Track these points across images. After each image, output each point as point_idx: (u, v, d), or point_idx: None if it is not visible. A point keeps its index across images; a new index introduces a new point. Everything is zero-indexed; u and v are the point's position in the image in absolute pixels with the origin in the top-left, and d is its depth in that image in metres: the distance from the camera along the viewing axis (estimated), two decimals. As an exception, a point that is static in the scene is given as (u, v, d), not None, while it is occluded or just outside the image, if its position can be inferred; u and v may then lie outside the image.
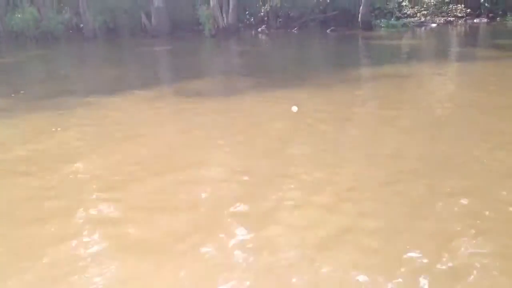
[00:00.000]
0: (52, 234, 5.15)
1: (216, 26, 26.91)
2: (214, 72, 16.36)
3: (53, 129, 9.36)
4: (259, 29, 28.76)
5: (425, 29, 27.07)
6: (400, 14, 29.61)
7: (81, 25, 30.55)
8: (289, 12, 30.05)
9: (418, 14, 29.65)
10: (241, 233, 4.96)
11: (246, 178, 6.42)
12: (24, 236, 5.17)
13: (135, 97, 12.07)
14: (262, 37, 26.76)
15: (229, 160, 7.18)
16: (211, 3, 26.85)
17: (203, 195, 6.04)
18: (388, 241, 4.64)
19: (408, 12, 29.81)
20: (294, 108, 9.51)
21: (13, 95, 12.78)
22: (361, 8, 26.82)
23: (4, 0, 32.45)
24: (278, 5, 29.85)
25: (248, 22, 30.88)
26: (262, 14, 31.06)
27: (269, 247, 4.65)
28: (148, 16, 29.32)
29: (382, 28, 26.94)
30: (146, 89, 12.91)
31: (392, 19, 28.58)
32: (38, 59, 22.77)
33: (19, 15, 30.34)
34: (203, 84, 13.78)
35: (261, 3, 31.42)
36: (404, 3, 30.09)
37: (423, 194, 5.64)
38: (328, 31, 26.77)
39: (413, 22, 28.47)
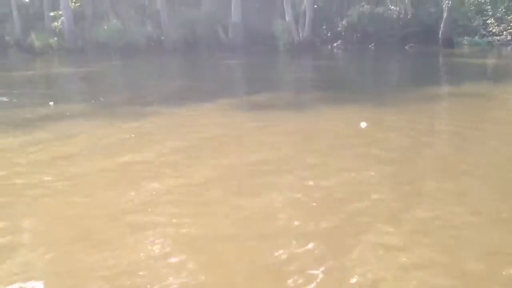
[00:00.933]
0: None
1: (291, 41, 26.92)
2: (285, 86, 16.26)
3: (127, 136, 9.58)
4: (335, 44, 28.47)
5: (511, 48, 25.73)
6: (485, 32, 28.31)
7: (162, 38, 31.61)
8: (367, 28, 29.58)
9: (505, 32, 28.22)
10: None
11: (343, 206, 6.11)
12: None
13: (203, 108, 12.17)
14: (337, 52, 26.46)
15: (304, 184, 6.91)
16: (287, 17, 26.92)
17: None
18: None
19: (494, 30, 28.45)
20: (363, 124, 9.21)
21: (93, 101, 13.31)
22: (442, 24, 25.90)
23: (91, 13, 34.26)
24: (356, 20, 29.46)
25: (325, 37, 30.68)
26: (339, 29, 30.76)
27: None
28: (225, 30, 29.84)
29: (465, 46, 25.86)
30: (216, 101, 13.00)
31: (476, 37, 27.38)
32: (119, 69, 23.74)
33: (105, 27, 31.87)
34: (273, 98, 13.69)
35: (339, 18, 31.15)
36: (489, 21, 28.75)
37: None
38: (406, 47, 26.05)
39: (499, 41, 27.12)
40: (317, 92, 14.40)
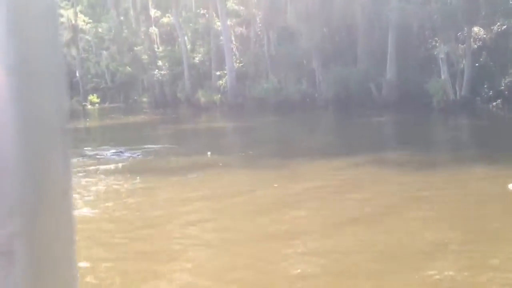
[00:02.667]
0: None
1: (445, 99, 26.28)
2: (432, 147, 15.95)
3: (275, 185, 10.45)
4: (494, 104, 27.08)
5: None
6: None
7: (316, 95, 32.89)
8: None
9: None
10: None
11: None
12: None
13: (336, 164, 12.62)
14: (496, 112, 25.16)
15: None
16: (442, 75, 26.44)
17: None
18: None
19: None
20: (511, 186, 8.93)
21: (242, 154, 14.54)
22: None
23: (253, 72, 37.02)
24: (518, 78, 27.80)
25: (485, 95, 29.31)
26: (502, 87, 29.21)
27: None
28: (378, 87, 30.13)
29: None
30: (350, 158, 13.32)
31: None
32: (272, 125, 25.28)
33: (263, 85, 34.19)
34: (420, 158, 13.61)
35: (501, 76, 29.64)
36: None
37: None
38: None
39: None
40: (457, 151, 14.03)
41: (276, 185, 10.46)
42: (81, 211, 8.53)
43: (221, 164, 13.00)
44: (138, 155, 14.81)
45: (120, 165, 13.52)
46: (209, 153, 14.42)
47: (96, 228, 7.79)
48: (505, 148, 14.43)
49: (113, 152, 15.15)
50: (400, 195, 9.38)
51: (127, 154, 14.90)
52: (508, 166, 11.19)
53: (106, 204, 9.39)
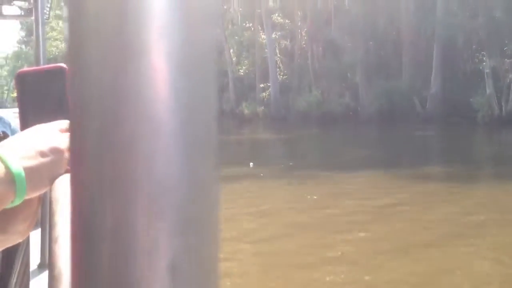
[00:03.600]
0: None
1: (490, 114, 25.93)
2: (469, 160, 15.79)
3: (308, 197, 10.81)
4: (542, 119, 26.52)
5: None
6: None
7: (358, 108, 32.97)
8: None
9: None
10: None
11: None
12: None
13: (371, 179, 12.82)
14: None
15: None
16: (487, 90, 26.12)
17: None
18: None
19: None
20: None
21: (282, 165, 14.93)
22: None
23: (296, 84, 37.44)
24: None
25: (535, 111, 28.73)
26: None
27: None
28: (423, 101, 29.98)
29: None
30: (388, 172, 13.52)
31: None
32: (314, 138, 25.57)
33: (307, 98, 34.55)
34: (459, 173, 13.65)
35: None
36: None
37: None
38: None
39: None
40: (491, 168, 13.98)
41: (315, 197, 10.81)
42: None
43: (262, 175, 13.45)
44: None
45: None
46: (251, 164, 14.88)
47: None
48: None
49: None
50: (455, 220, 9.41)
51: None
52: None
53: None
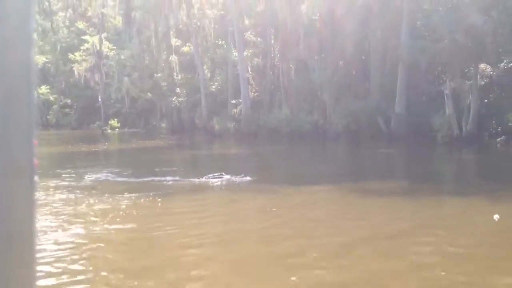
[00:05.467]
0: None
1: (450, 134, 27.00)
2: (425, 178, 16.58)
3: (268, 209, 11.39)
4: (498, 139, 27.67)
5: None
6: None
7: (327, 126, 33.81)
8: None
9: None
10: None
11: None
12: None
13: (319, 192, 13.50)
14: (500, 148, 25.73)
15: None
16: (447, 111, 27.21)
17: None
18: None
19: None
20: (496, 217, 9.71)
21: (249, 179, 15.51)
22: None
23: (267, 101, 38.19)
24: (523, 116, 28.36)
25: (494, 131, 29.87)
26: (511, 124, 29.74)
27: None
28: (387, 120, 30.97)
29: None
30: (342, 185, 14.24)
31: None
32: (280, 153, 26.23)
33: (277, 115, 35.28)
34: (409, 188, 14.42)
35: (509, 112, 30.17)
36: None
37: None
38: None
39: None
40: (447, 183, 14.79)
41: (274, 209, 11.39)
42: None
43: (229, 188, 14.10)
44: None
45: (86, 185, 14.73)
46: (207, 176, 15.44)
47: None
48: (496, 181, 15.15)
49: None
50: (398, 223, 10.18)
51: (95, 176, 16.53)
52: (494, 197, 11.96)
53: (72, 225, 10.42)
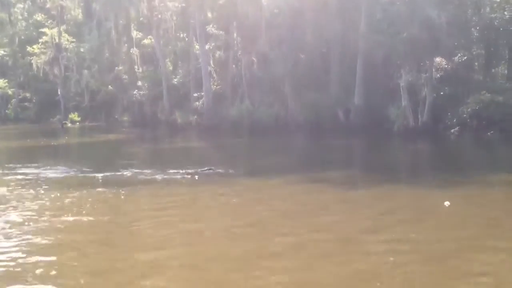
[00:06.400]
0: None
1: (405, 124, 27.79)
2: (378, 168, 17.06)
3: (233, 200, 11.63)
4: (452, 131, 28.61)
5: None
6: None
7: (288, 118, 34.22)
8: (493, 116, 29.05)
9: None
10: None
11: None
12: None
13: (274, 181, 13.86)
14: (453, 138, 26.61)
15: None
16: (403, 102, 27.97)
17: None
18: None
19: None
20: (447, 203, 10.24)
21: (210, 171, 15.72)
22: None
23: (229, 94, 38.31)
24: (476, 107, 29.33)
25: (449, 123, 30.75)
26: (465, 115, 30.68)
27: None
28: (346, 112, 31.60)
29: None
30: (291, 176, 14.61)
31: None
32: (242, 145, 26.53)
33: (238, 107, 35.47)
34: (361, 176, 14.89)
35: (462, 104, 31.10)
36: None
37: None
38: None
39: None
40: (400, 172, 15.36)
41: (234, 200, 11.68)
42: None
43: (190, 181, 14.30)
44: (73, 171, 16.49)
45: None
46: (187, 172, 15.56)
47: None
48: (448, 170, 15.78)
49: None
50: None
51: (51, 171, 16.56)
52: (446, 185, 12.53)
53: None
